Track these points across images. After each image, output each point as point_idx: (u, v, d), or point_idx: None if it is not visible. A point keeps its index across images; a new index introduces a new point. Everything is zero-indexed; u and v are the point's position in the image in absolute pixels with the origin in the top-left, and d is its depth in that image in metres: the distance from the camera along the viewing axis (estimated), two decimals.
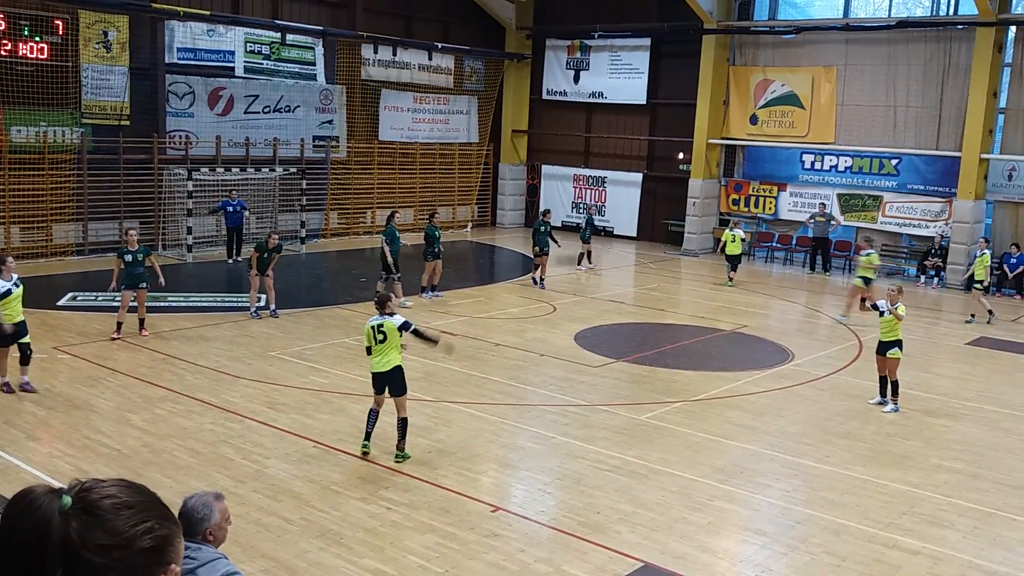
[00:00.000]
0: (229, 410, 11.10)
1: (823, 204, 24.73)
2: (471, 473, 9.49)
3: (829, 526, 8.48)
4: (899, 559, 7.87)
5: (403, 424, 9.81)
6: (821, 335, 17.36)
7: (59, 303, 16.46)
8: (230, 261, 21.88)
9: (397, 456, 9.73)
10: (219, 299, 17.70)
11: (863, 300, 13.30)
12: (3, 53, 19.66)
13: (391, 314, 9.82)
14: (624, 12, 28.12)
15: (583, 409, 11.83)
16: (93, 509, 1.58)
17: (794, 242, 26.19)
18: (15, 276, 11.36)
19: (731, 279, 22.04)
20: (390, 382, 9.82)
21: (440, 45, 28.56)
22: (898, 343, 12.21)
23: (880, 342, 12.39)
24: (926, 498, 9.27)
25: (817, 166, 25.76)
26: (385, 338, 9.72)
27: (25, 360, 11.46)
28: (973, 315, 18.58)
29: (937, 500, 9.24)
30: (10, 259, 11.48)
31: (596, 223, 23.32)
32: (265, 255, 15.94)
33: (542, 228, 20.73)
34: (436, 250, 18.35)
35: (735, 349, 15.92)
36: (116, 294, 14.58)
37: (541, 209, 22.89)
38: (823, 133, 25.34)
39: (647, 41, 28.33)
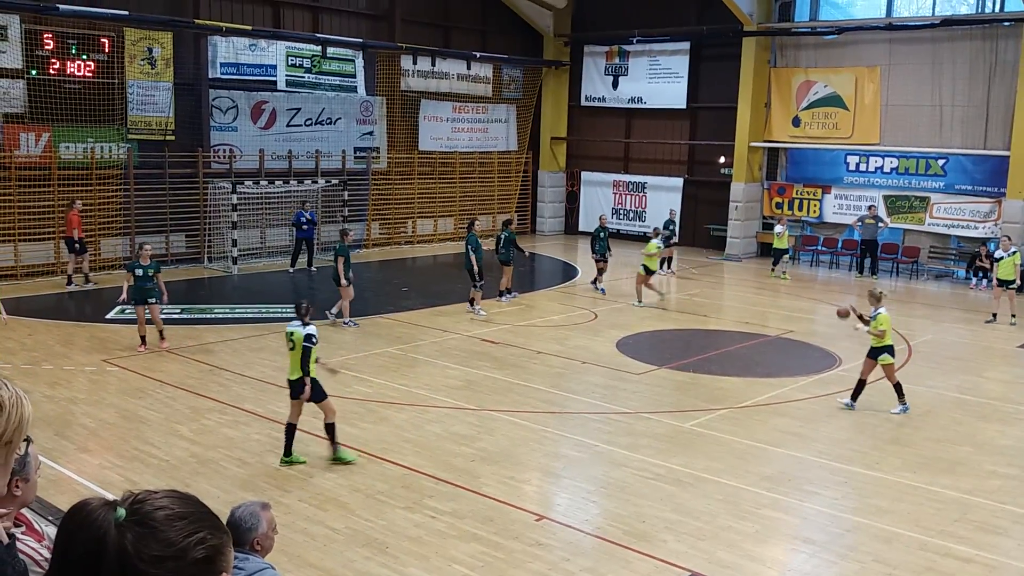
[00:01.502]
0: (275, 420, 11.19)
1: (873, 207, 24.38)
2: (514, 482, 9.48)
3: (879, 534, 8.33)
4: (952, 567, 7.71)
5: (286, 429, 9.76)
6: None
7: (108, 316, 16.74)
8: (290, 270, 22.44)
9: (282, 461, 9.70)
10: (264, 311, 17.88)
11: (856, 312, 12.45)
12: (52, 72, 20.13)
13: (306, 323, 9.77)
14: (662, 16, 28.01)
15: (626, 417, 11.76)
16: (147, 521, 1.60)
17: (840, 245, 25.87)
18: None
19: (782, 273, 23.23)
20: (292, 390, 9.74)
21: (478, 54, 28.67)
22: (887, 348, 12.03)
23: (871, 347, 12.23)
24: (979, 504, 9.08)
25: (862, 168, 25.41)
26: (294, 346, 9.68)
27: None
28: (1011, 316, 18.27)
29: (990, 506, 9.04)
30: None
31: (672, 229, 24.15)
32: (348, 256, 16.42)
33: (601, 234, 20.90)
34: (510, 255, 19.10)
35: (781, 355, 15.73)
36: (133, 307, 14.74)
37: (599, 215, 23.37)
38: (868, 134, 25.00)
39: (686, 45, 28.18)
